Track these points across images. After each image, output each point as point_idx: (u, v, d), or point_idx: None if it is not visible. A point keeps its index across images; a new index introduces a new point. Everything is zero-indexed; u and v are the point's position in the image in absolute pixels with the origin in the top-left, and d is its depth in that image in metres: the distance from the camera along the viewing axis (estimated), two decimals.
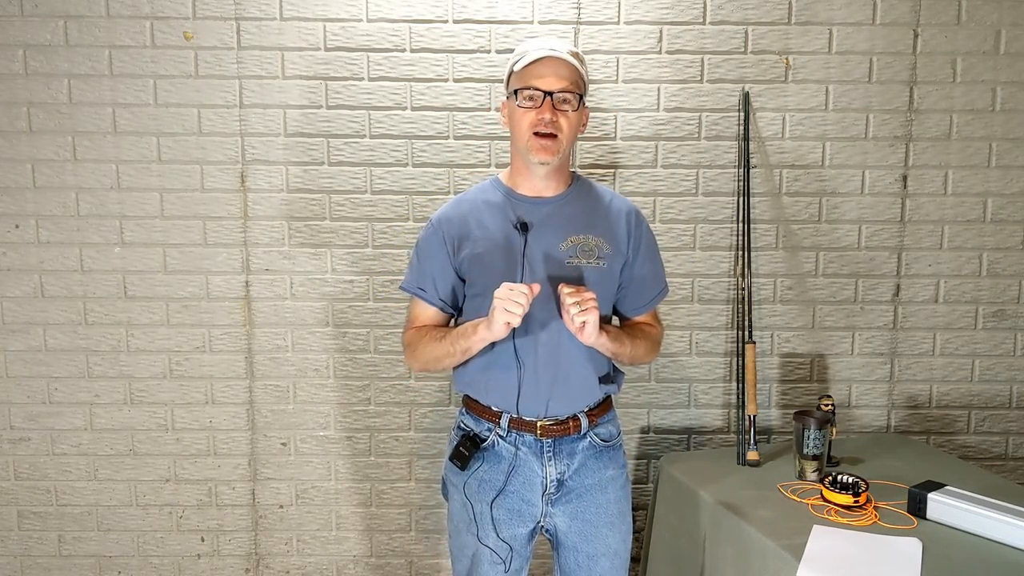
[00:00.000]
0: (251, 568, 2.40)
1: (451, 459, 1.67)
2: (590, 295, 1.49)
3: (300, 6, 2.20)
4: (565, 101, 1.54)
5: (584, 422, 1.65)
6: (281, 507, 2.37)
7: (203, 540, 2.38)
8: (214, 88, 2.22)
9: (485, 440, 1.65)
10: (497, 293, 1.47)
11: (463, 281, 1.65)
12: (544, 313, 1.57)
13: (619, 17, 2.22)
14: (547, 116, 1.52)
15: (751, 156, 2.26)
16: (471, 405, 1.69)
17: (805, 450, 1.93)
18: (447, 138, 2.25)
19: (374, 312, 2.30)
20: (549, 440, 1.63)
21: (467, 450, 1.64)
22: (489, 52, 2.22)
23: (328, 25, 2.21)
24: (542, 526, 1.68)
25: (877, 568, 1.48)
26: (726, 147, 2.28)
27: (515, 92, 1.56)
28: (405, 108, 2.24)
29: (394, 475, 2.36)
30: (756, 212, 2.29)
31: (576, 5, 2.22)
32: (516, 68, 1.56)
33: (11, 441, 2.33)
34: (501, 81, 2.21)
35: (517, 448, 1.63)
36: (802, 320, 2.34)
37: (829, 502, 1.76)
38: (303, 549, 2.39)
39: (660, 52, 2.23)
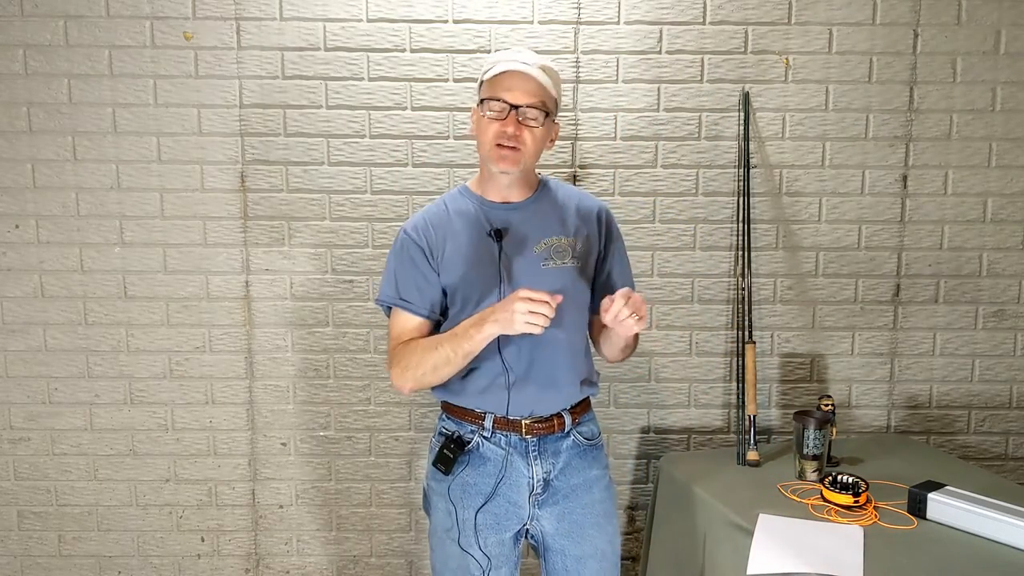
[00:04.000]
0: (251, 568, 2.40)
1: (434, 464, 1.63)
2: (639, 300, 1.45)
3: (300, 6, 2.20)
4: (531, 117, 1.53)
5: (567, 420, 1.65)
6: (281, 507, 2.37)
7: (203, 540, 2.38)
8: (214, 88, 2.22)
9: (469, 442, 1.63)
10: (517, 297, 1.43)
11: (444, 290, 1.64)
12: None
13: (619, 17, 2.22)
14: (510, 130, 1.52)
15: (751, 156, 2.26)
16: (451, 409, 1.67)
17: (805, 450, 1.93)
18: (447, 138, 2.25)
19: (374, 312, 2.30)
20: (534, 439, 1.63)
21: (451, 452, 1.60)
22: (489, 52, 2.22)
23: (328, 25, 2.21)
24: (528, 530, 1.67)
25: (822, 552, 1.52)
26: (726, 147, 2.28)
27: (482, 101, 1.56)
28: (405, 108, 2.24)
29: (394, 475, 2.36)
30: (756, 212, 2.29)
31: (576, 5, 2.21)
32: (486, 77, 1.56)
33: (11, 441, 2.33)
34: None
35: (503, 449, 1.61)
36: (802, 320, 2.34)
37: (829, 502, 1.76)
38: (303, 549, 2.39)
39: (660, 52, 2.23)
